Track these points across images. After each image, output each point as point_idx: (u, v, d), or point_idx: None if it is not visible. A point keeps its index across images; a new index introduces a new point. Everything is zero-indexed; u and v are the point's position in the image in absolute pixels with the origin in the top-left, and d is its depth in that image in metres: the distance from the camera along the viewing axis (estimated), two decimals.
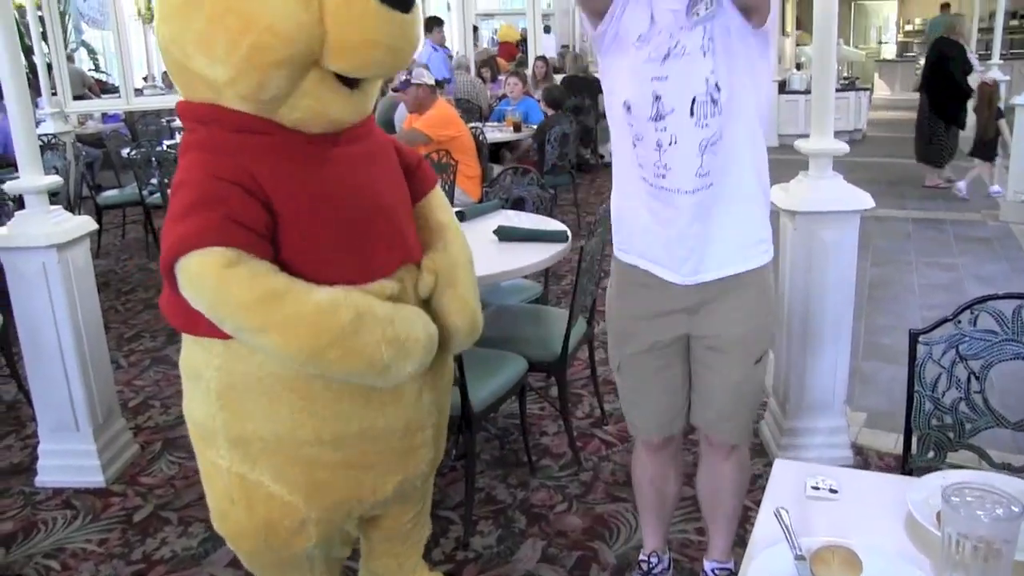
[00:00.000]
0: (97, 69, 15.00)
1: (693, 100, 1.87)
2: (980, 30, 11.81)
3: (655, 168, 1.94)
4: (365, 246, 1.78)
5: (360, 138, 1.86)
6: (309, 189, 1.72)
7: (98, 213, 6.92)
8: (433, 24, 9.70)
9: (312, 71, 1.66)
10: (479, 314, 2.00)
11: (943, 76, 7.67)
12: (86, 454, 3.26)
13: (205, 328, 1.69)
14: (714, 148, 1.90)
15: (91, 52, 15.46)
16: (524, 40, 13.84)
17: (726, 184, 1.94)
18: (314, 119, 1.73)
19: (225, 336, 1.69)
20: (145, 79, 13.74)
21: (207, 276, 1.58)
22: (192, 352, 1.84)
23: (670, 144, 1.90)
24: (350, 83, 1.73)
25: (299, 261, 1.69)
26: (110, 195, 7.29)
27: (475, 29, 11.35)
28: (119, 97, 10.92)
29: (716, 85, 1.86)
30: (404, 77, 5.60)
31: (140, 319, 5.27)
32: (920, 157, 8.63)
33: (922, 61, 13.23)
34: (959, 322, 2.00)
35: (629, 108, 1.94)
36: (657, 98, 1.89)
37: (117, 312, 5.40)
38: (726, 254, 2.01)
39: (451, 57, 10.33)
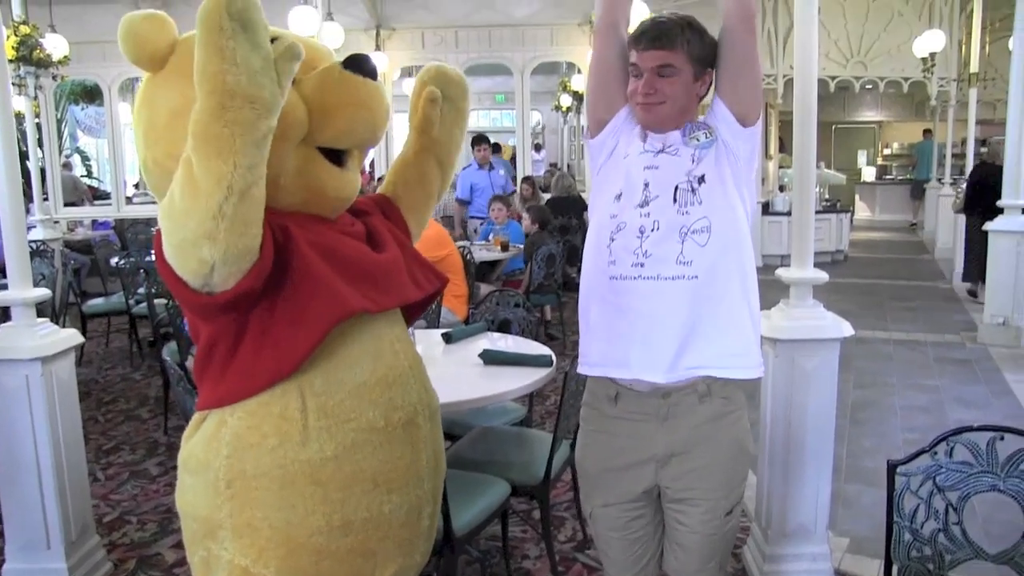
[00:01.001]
0: (90, 175, 15.24)
1: (676, 188, 1.98)
2: (953, 156, 12.18)
3: (635, 256, 1.97)
4: (372, 285, 1.91)
5: (353, 224, 2.00)
6: (321, 241, 1.84)
7: (83, 321, 6.92)
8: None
9: (302, 150, 1.81)
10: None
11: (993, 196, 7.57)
12: (56, 573, 3.17)
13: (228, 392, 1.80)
14: (696, 237, 1.95)
15: (84, 159, 15.73)
16: (513, 158, 14.19)
17: (711, 281, 1.96)
18: (313, 199, 1.88)
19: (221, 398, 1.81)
20: (136, 186, 13.94)
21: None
22: (198, 444, 1.87)
23: (652, 229, 1.96)
24: (338, 162, 1.90)
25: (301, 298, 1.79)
26: (96, 303, 7.28)
27: (497, 147, 10.79)
28: (110, 204, 11.09)
29: (700, 178, 1.98)
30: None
31: (120, 431, 5.21)
32: (973, 276, 8.68)
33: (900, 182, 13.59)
34: (935, 453, 2.02)
35: (619, 196, 2.02)
36: (646, 185, 2.00)
37: (97, 423, 5.35)
38: (709, 352, 1.98)
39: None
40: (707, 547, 2.10)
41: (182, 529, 1.97)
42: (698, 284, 1.95)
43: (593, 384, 2.16)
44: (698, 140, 2.02)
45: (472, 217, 9.27)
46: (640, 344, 1.99)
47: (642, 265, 1.96)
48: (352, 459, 1.84)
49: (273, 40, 1.73)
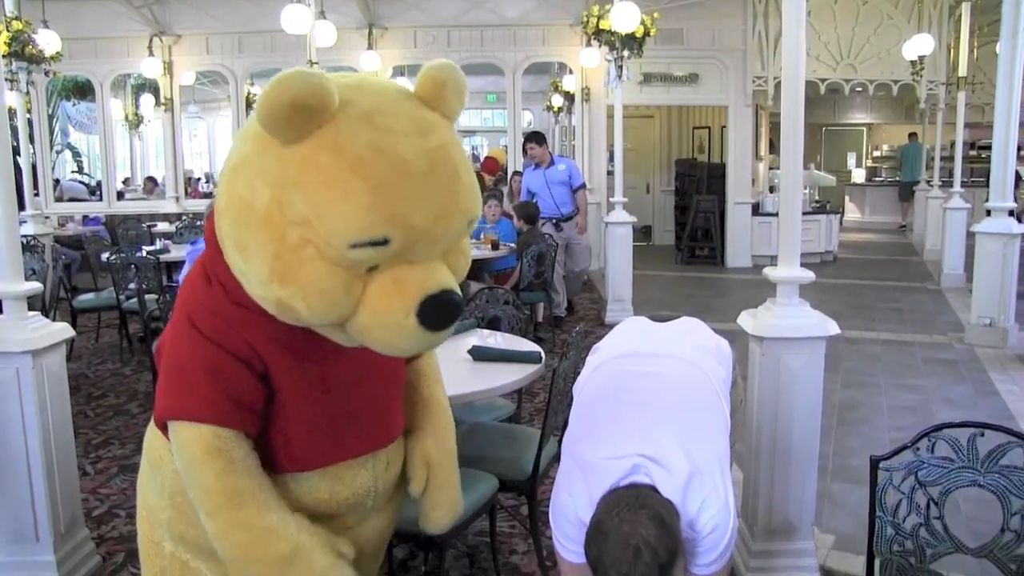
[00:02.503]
0: (80, 171, 15.20)
1: None
2: (942, 158, 12.24)
3: None
4: (346, 431, 1.82)
5: None
6: (302, 369, 1.74)
7: (73, 316, 6.91)
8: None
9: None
10: (460, 505, 2.10)
11: None
12: (44, 566, 3.18)
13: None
14: None
15: (75, 154, 15.69)
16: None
17: None
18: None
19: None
20: (125, 182, 13.92)
21: (189, 450, 1.66)
22: (156, 442, 1.86)
23: None
24: None
25: (277, 434, 1.75)
26: (86, 298, 7.29)
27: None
28: (100, 200, 11.08)
29: None
30: None
31: (110, 425, 5.22)
32: None
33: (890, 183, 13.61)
34: (918, 449, 2.06)
35: None
36: None
37: (87, 417, 5.35)
38: None
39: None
40: None
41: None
42: None
43: None
44: None
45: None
46: None
47: None
48: (302, 502, 1.81)
49: (386, 241, 1.51)
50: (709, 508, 1.88)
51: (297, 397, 1.74)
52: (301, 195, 1.49)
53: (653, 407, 2.05)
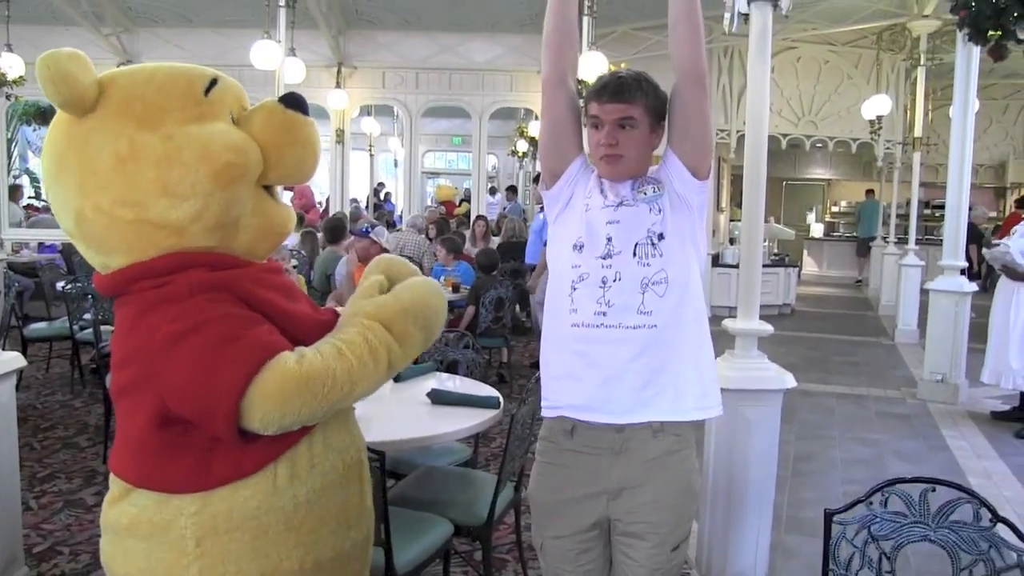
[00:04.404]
0: (38, 197, 15.00)
1: (636, 243, 2.07)
2: (898, 216, 12.50)
3: (597, 306, 2.05)
4: None
5: (281, 270, 2.02)
6: (283, 309, 1.83)
7: (24, 345, 6.76)
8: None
9: (253, 189, 1.84)
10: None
11: None
12: None
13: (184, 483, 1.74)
14: (656, 288, 2.05)
15: (33, 180, 15.49)
16: (467, 199, 14.30)
17: (670, 330, 2.06)
18: (264, 235, 1.90)
19: (201, 484, 1.73)
20: None
21: (291, 379, 1.66)
22: (150, 504, 1.76)
23: (614, 280, 2.05)
24: (272, 196, 1.94)
25: None
26: (38, 327, 7.12)
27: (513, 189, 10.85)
28: (58, 228, 10.90)
29: (660, 234, 2.08)
30: (366, 227, 5.85)
31: (56, 458, 5.09)
32: None
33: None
34: (871, 503, 2.08)
35: (581, 247, 2.10)
36: (609, 239, 2.08)
37: (32, 450, 5.22)
38: (667, 396, 2.08)
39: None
40: None
41: None
42: (657, 332, 2.05)
43: (551, 421, 2.20)
44: (645, 194, 2.12)
45: None
46: (601, 388, 2.07)
47: (604, 314, 2.05)
48: (320, 502, 1.85)
49: (215, 80, 1.84)
50: None
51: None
52: (123, 136, 1.74)
53: None
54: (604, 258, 2.08)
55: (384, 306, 1.89)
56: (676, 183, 2.14)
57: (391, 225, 10.89)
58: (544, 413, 2.19)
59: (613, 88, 2.10)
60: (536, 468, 2.24)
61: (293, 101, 1.90)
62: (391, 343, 1.84)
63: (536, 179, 9.08)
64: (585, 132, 2.21)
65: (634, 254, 2.07)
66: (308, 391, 1.68)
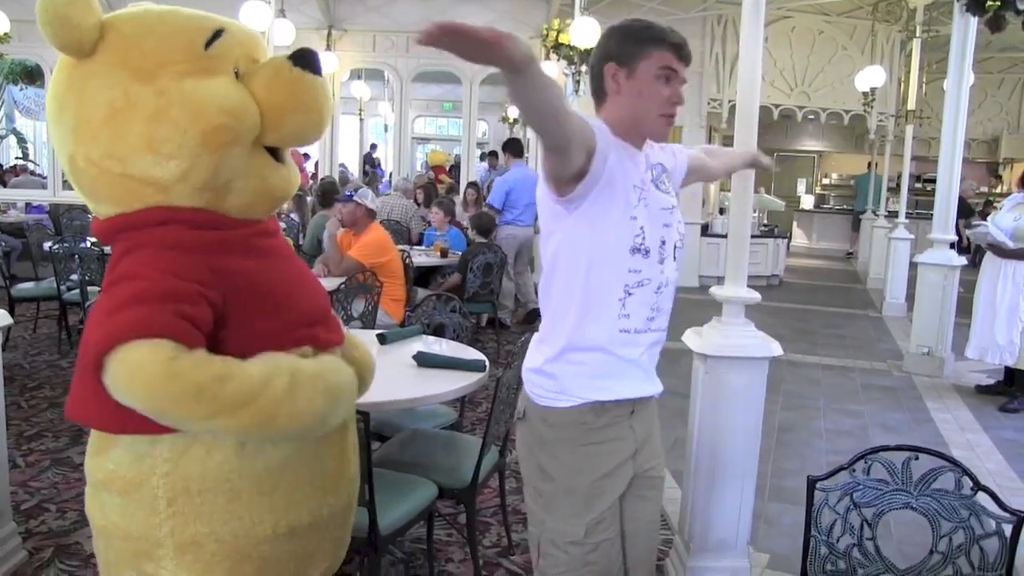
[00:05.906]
0: (25, 158, 14.87)
1: (675, 247, 2.11)
2: (889, 190, 12.50)
3: (649, 311, 2.06)
4: (297, 332, 1.85)
5: (278, 232, 1.99)
6: (258, 281, 1.81)
7: (10, 304, 6.73)
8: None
9: (250, 150, 1.79)
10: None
11: None
12: None
13: (135, 425, 1.67)
14: (670, 288, 2.12)
15: (21, 140, 15.36)
16: (456, 166, 14.22)
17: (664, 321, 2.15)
18: (259, 199, 1.85)
19: (158, 430, 1.68)
20: None
21: (151, 366, 1.56)
22: (125, 461, 1.77)
23: (665, 286, 2.09)
24: (276, 157, 1.88)
25: (233, 344, 1.73)
26: (25, 287, 7.10)
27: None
28: (46, 188, 10.83)
29: (683, 237, 2.14)
30: (349, 192, 5.81)
31: (43, 417, 5.09)
32: None
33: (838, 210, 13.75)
34: (854, 470, 2.09)
35: (646, 252, 2.01)
36: (663, 243, 2.07)
37: (20, 408, 5.21)
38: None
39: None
40: (655, 534, 2.31)
41: (99, 548, 1.91)
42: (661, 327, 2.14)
43: (574, 410, 2.07)
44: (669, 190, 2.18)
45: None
46: (636, 383, 2.11)
47: (652, 319, 2.08)
48: (294, 466, 1.84)
49: (219, 32, 1.78)
50: None
51: (254, 308, 1.77)
52: (118, 87, 1.72)
53: None
54: (661, 263, 2.06)
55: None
56: (676, 177, 2.26)
57: (377, 192, 10.83)
58: (567, 404, 2.06)
59: (687, 51, 2.03)
60: (565, 458, 2.08)
61: (303, 59, 1.82)
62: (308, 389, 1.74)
63: (491, 154, 8.92)
64: (635, 81, 2.01)
65: (674, 258, 2.11)
66: (162, 387, 1.58)
